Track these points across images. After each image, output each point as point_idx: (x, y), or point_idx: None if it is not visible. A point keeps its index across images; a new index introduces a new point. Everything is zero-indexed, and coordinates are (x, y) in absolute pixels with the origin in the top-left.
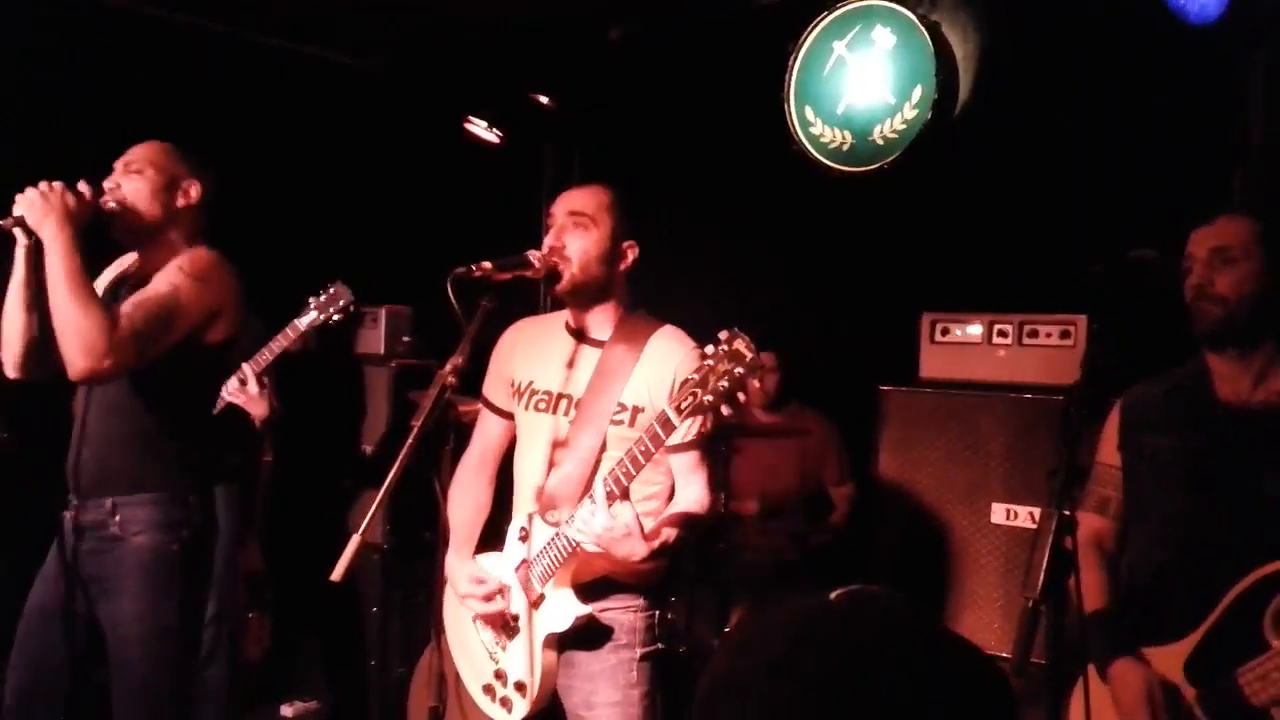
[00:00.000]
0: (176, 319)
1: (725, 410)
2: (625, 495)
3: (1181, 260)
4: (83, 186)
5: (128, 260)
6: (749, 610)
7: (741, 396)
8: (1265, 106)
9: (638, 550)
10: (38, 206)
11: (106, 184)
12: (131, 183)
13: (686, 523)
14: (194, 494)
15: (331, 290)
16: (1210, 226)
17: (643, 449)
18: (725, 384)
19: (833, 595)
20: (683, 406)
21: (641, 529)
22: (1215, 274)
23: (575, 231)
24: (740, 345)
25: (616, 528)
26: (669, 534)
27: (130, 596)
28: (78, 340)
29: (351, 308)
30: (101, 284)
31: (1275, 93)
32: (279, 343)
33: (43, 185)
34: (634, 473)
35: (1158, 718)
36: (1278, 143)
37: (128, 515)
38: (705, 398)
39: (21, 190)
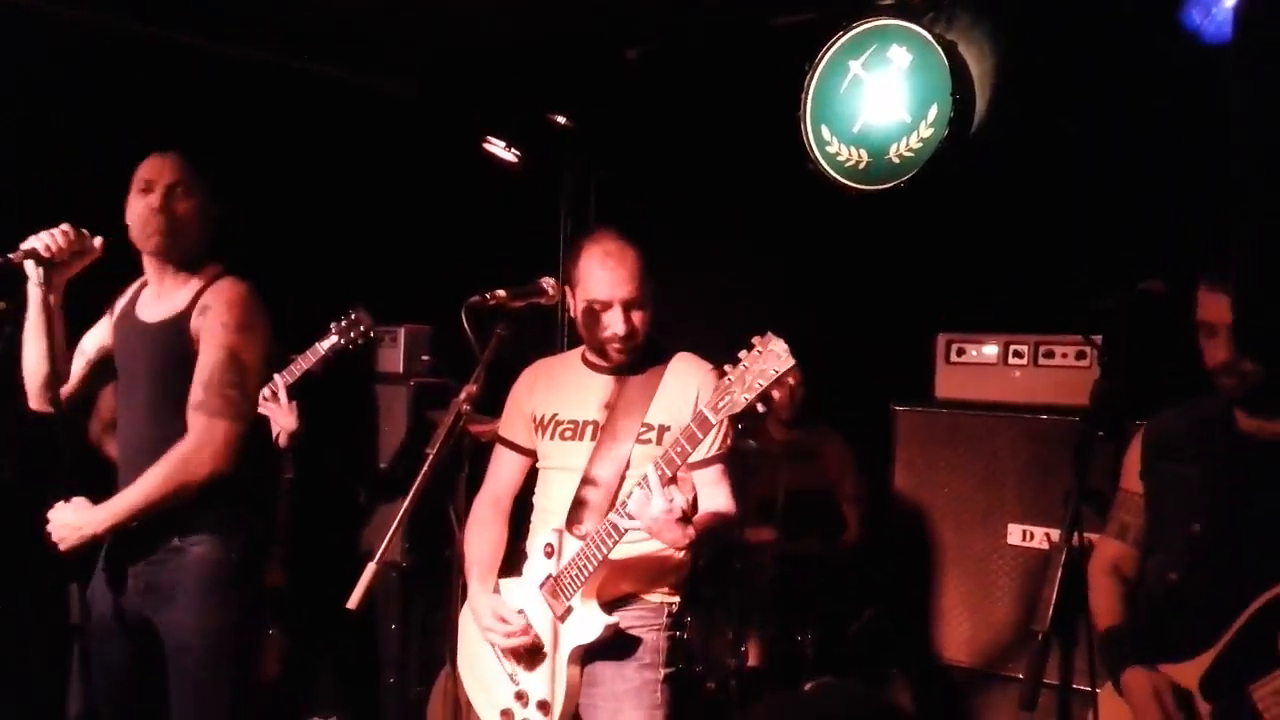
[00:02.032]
0: (247, 376)
1: (760, 409)
2: (674, 480)
3: (1195, 296)
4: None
5: (134, 288)
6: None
7: (776, 394)
8: None
9: (683, 538)
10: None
11: (153, 201)
12: (184, 204)
13: (721, 519)
14: (248, 504)
15: (353, 315)
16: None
17: (679, 450)
18: (762, 381)
19: (807, 687)
20: (720, 405)
21: (688, 515)
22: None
23: (636, 313)
24: (777, 346)
25: (674, 509)
26: (712, 524)
27: (190, 606)
28: (200, 470)
29: (371, 334)
30: (121, 304)
31: None
32: (300, 365)
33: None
34: (678, 461)
35: (1171, 716)
36: None
37: (187, 527)
38: (742, 397)
39: (46, 220)
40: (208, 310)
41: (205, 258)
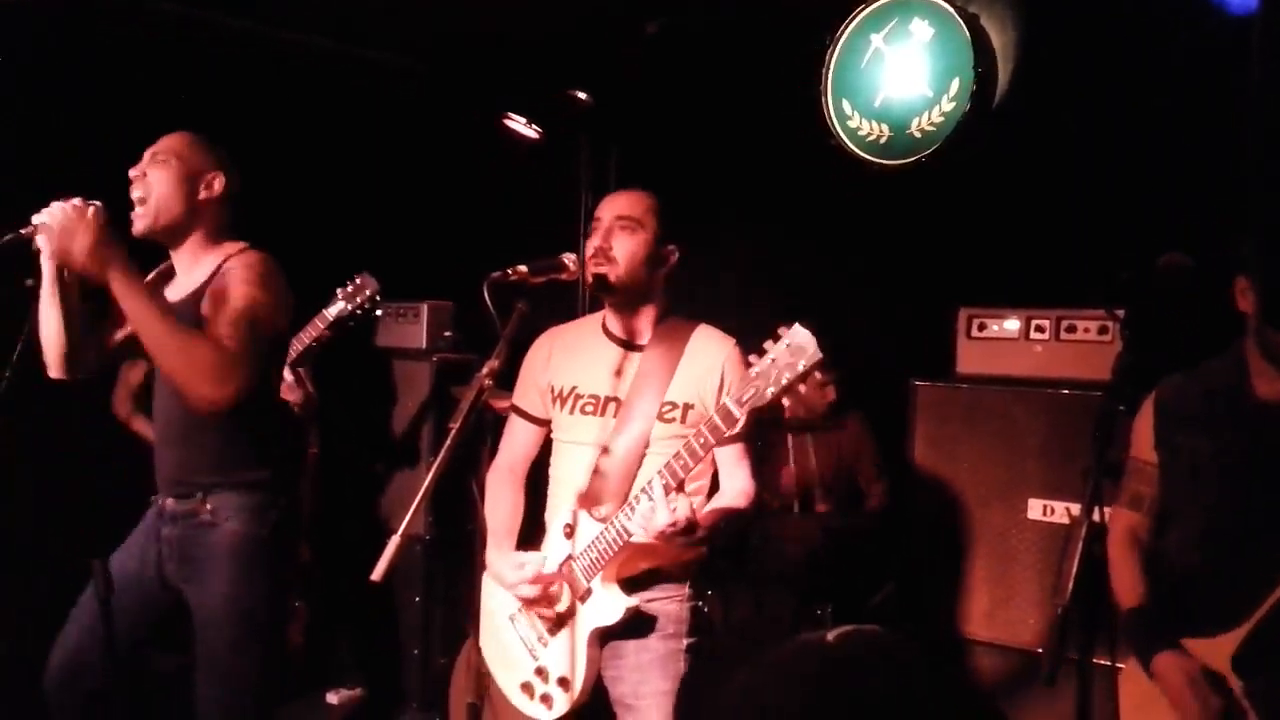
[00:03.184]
0: (263, 327)
1: (786, 401)
2: (681, 488)
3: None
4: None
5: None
6: (754, 654)
7: (802, 389)
8: None
9: (692, 542)
10: (76, 240)
11: (132, 172)
12: (157, 172)
13: (733, 514)
14: (280, 480)
15: (358, 280)
16: None
17: (702, 442)
18: (789, 375)
19: (830, 636)
20: (744, 399)
21: (696, 520)
22: None
23: (622, 235)
24: (803, 338)
25: (678, 521)
26: (720, 525)
27: (220, 580)
28: (197, 372)
29: (378, 297)
30: (152, 280)
31: None
32: (309, 332)
33: (68, 206)
34: (692, 465)
35: (1208, 704)
36: None
37: (218, 503)
38: (768, 390)
39: (43, 195)
40: (225, 273)
41: (225, 234)
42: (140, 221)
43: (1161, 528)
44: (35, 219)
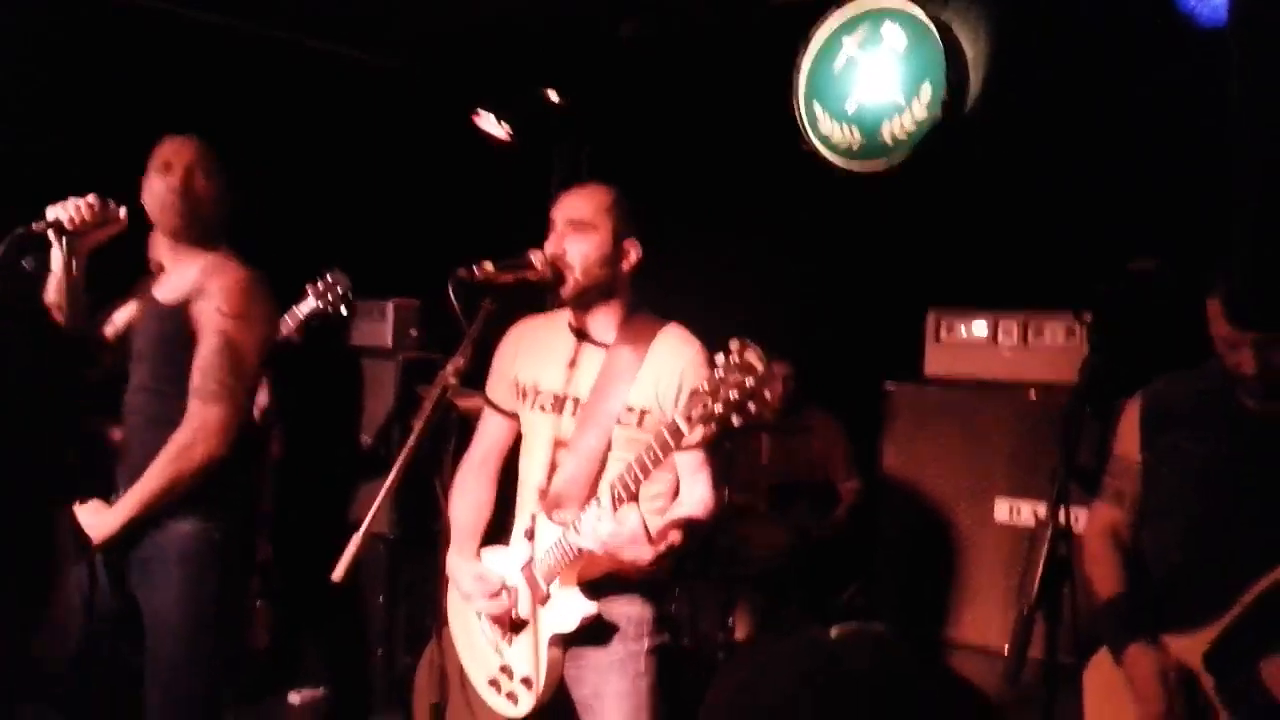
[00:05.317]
0: (246, 362)
1: (736, 420)
2: (634, 499)
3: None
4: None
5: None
6: (748, 641)
7: (753, 407)
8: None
9: (644, 554)
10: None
11: (172, 183)
12: (201, 183)
13: (690, 525)
14: (235, 482)
15: (329, 278)
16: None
17: (652, 457)
18: (736, 394)
19: (833, 633)
20: (693, 416)
21: (648, 532)
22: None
23: (575, 237)
24: (751, 356)
25: (623, 532)
26: (675, 536)
27: (171, 579)
28: (197, 464)
29: (350, 295)
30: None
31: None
32: (280, 330)
33: (83, 204)
34: (642, 478)
35: (1173, 700)
36: None
37: (172, 505)
38: (715, 407)
39: (47, 192)
40: (205, 295)
41: (215, 239)
42: (178, 223)
43: (1141, 525)
44: (49, 212)
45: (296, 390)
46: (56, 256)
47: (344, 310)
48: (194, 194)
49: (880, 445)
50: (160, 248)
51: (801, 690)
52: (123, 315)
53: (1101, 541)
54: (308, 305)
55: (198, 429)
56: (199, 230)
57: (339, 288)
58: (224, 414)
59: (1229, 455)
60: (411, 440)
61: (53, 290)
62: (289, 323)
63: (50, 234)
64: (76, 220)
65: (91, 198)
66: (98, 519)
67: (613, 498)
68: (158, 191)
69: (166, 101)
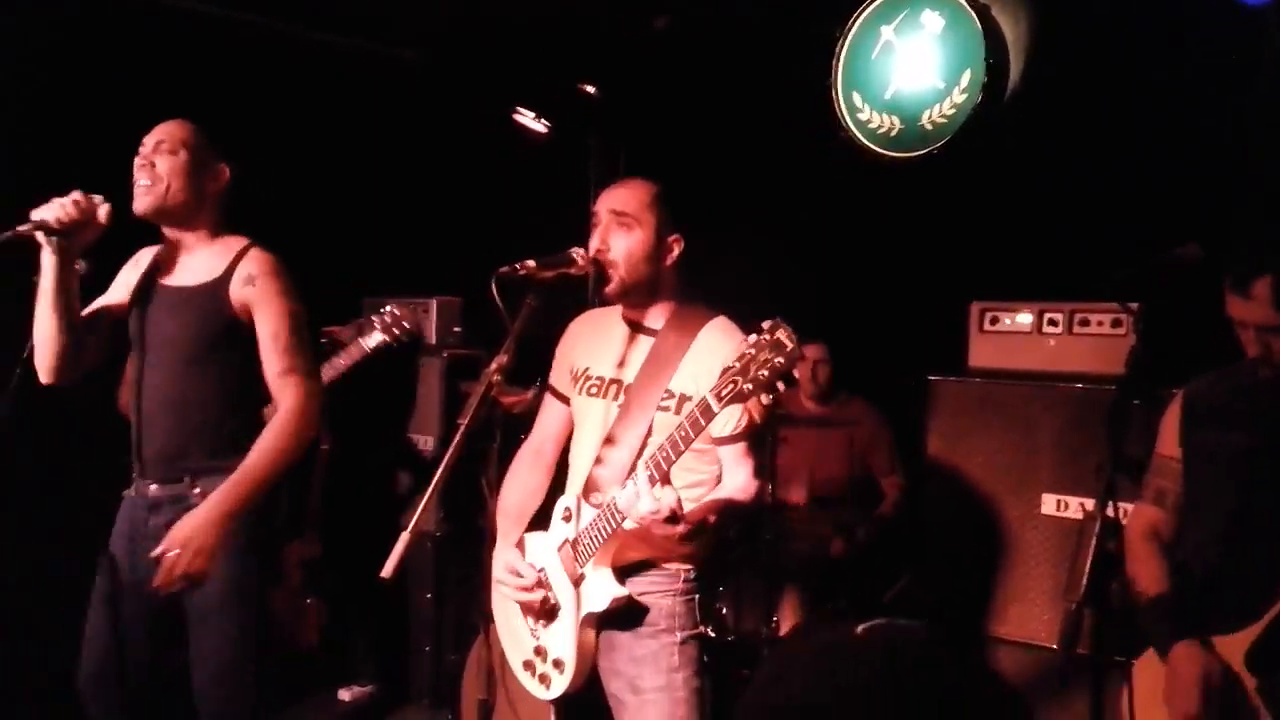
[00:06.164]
0: (307, 333)
1: (765, 399)
2: (666, 479)
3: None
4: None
5: (146, 256)
6: (787, 636)
7: (781, 386)
8: None
9: (676, 530)
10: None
11: (139, 159)
12: (165, 160)
13: (727, 508)
14: None
15: (395, 311)
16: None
17: (683, 434)
18: (765, 373)
19: (860, 629)
20: (723, 394)
21: (682, 510)
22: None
23: (619, 232)
24: (782, 335)
25: (661, 510)
26: (709, 517)
27: (215, 567)
28: (303, 439)
29: (418, 334)
30: (127, 278)
31: None
32: (344, 359)
33: (68, 203)
34: (674, 457)
35: (1211, 700)
36: None
37: (207, 486)
38: (745, 385)
39: (45, 191)
40: (255, 279)
41: (223, 226)
42: (145, 199)
43: (1183, 524)
44: (34, 215)
45: (344, 387)
46: (47, 258)
47: (407, 342)
48: (157, 167)
49: (924, 438)
50: (168, 236)
51: (822, 688)
52: (102, 308)
53: (1144, 542)
54: (375, 338)
55: (307, 402)
56: (208, 216)
57: (405, 321)
58: (316, 387)
59: (1266, 448)
60: (457, 438)
61: (44, 292)
62: (354, 354)
63: (39, 236)
64: (64, 219)
65: (76, 194)
66: (187, 525)
67: (648, 476)
68: (165, 173)
69: (206, 103)
